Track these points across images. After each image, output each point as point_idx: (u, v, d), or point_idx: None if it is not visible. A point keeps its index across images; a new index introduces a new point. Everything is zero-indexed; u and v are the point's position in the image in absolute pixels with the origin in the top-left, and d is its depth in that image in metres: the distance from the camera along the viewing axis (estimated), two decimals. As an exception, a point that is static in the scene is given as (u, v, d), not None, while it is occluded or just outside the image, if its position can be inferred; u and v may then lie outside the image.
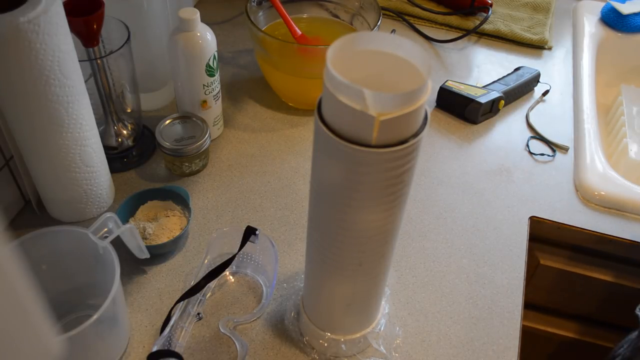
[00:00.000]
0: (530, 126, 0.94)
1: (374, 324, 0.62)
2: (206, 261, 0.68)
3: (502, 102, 0.94)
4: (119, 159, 0.80)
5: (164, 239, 0.69)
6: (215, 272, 0.65)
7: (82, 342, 0.53)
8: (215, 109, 0.83)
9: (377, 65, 0.44)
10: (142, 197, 0.72)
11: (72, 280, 0.62)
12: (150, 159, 0.82)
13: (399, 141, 0.41)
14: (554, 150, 0.90)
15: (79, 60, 0.62)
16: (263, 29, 0.91)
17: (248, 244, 0.66)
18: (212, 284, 0.68)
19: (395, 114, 0.39)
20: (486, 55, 1.08)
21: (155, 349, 0.59)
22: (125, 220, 0.70)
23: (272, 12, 0.92)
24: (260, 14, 0.93)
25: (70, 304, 0.64)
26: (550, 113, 0.97)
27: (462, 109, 0.93)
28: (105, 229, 0.59)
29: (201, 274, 0.66)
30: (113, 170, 0.76)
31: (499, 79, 0.98)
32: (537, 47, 1.10)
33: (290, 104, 0.93)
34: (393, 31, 1.10)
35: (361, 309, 0.58)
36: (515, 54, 1.09)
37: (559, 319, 1.00)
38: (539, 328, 1.01)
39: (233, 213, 0.76)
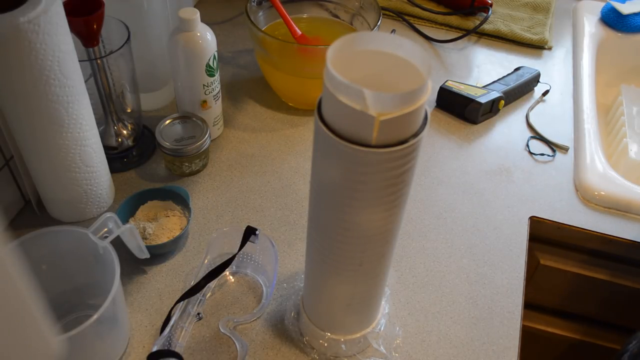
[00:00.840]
0: (530, 126, 0.94)
1: (374, 324, 0.62)
2: (206, 261, 0.68)
3: (502, 102, 0.94)
4: (119, 159, 0.80)
5: (164, 239, 0.69)
6: (215, 272, 0.65)
7: (82, 342, 0.53)
8: (215, 109, 0.83)
9: (377, 65, 0.44)
10: (142, 197, 0.72)
11: (72, 280, 0.62)
12: (150, 159, 0.82)
13: (399, 141, 0.41)
14: (554, 150, 0.90)
15: (79, 60, 0.62)
16: (263, 29, 0.91)
17: (248, 244, 0.66)
18: (212, 284, 0.68)
19: (395, 114, 0.39)
20: (486, 55, 1.08)
21: (155, 349, 0.59)
22: (125, 220, 0.70)
23: (272, 12, 0.92)
24: (260, 14, 0.93)
25: (70, 304, 0.64)
26: (550, 113, 0.97)
27: (462, 109, 0.93)
28: (105, 229, 0.59)
29: (201, 274, 0.66)
30: (113, 170, 0.76)
31: (499, 79, 0.98)
32: (537, 47, 1.10)
33: (290, 104, 0.93)
34: (393, 31, 1.10)
35: (361, 309, 0.58)
36: (515, 54, 1.09)
37: (559, 319, 1.00)
38: (539, 328, 1.01)
39: (233, 213, 0.76)
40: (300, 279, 0.68)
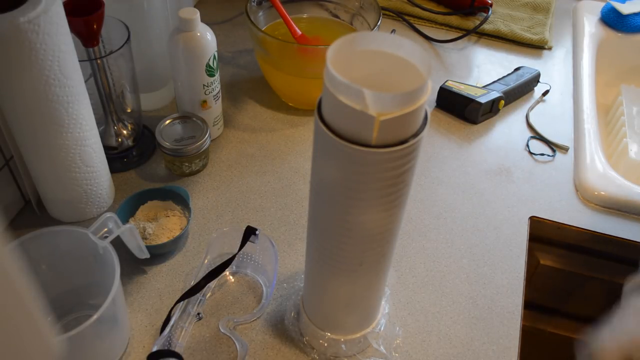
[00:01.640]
0: (530, 126, 0.94)
1: (374, 324, 0.62)
2: (206, 261, 0.68)
3: (502, 102, 0.94)
4: (119, 159, 0.80)
5: (164, 239, 0.69)
6: (215, 272, 0.65)
7: (82, 342, 0.53)
8: (215, 109, 0.83)
9: (377, 65, 0.44)
10: (142, 197, 0.72)
11: (72, 281, 0.62)
12: (150, 159, 0.82)
13: (399, 141, 0.41)
14: (554, 150, 0.90)
15: (79, 60, 0.62)
16: (263, 29, 0.91)
17: (248, 244, 0.66)
18: (212, 284, 0.68)
19: (395, 114, 0.39)
20: (486, 55, 1.08)
21: (155, 349, 0.59)
22: (125, 220, 0.70)
23: (272, 12, 0.92)
24: (260, 14, 0.93)
25: (70, 304, 0.64)
26: (550, 113, 0.97)
27: (462, 109, 0.93)
28: (105, 229, 0.59)
29: (201, 274, 0.66)
30: (113, 170, 0.76)
31: (499, 79, 0.98)
32: (537, 47, 1.10)
33: (290, 104, 0.93)
34: (393, 31, 1.10)
35: (361, 309, 0.58)
36: (515, 54, 1.09)
37: (559, 319, 1.00)
38: (539, 328, 1.01)
39: (233, 213, 0.76)
40: (300, 279, 0.68)
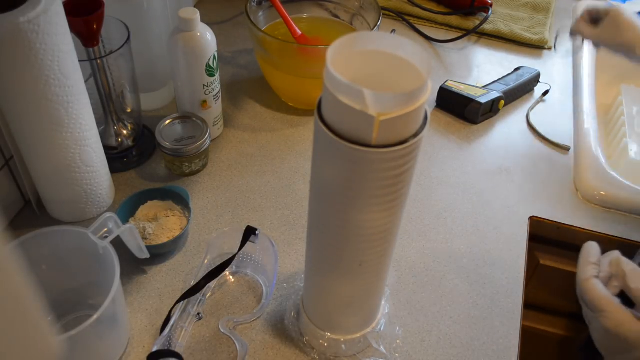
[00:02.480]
0: (530, 126, 0.94)
1: (374, 324, 0.62)
2: (206, 261, 0.68)
3: (502, 102, 0.94)
4: (119, 159, 0.80)
5: (164, 239, 0.69)
6: (215, 272, 0.65)
7: (82, 342, 0.53)
8: (215, 109, 0.83)
9: (377, 65, 0.44)
10: (142, 197, 0.72)
11: (72, 280, 0.62)
12: (150, 159, 0.82)
13: (399, 141, 0.41)
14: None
15: (79, 60, 0.62)
16: (263, 29, 0.91)
17: (248, 244, 0.66)
18: (212, 284, 0.68)
19: (395, 114, 0.39)
20: (486, 55, 1.08)
21: (155, 349, 0.59)
22: (125, 220, 0.70)
23: (272, 12, 0.92)
24: (260, 14, 0.93)
25: (70, 304, 0.64)
26: (551, 113, 0.97)
27: (462, 109, 0.93)
28: (105, 229, 0.59)
29: (201, 274, 0.66)
30: (113, 170, 0.76)
31: (499, 79, 0.98)
32: (537, 47, 1.10)
33: (290, 104, 0.93)
34: (393, 31, 1.10)
35: (361, 309, 0.58)
36: (515, 54, 1.09)
37: (559, 319, 1.00)
38: (539, 328, 1.01)
39: (233, 213, 0.76)
40: (300, 279, 0.68)
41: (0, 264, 0.24)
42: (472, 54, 1.08)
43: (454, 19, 1.13)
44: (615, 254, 0.59)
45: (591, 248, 0.58)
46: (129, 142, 0.81)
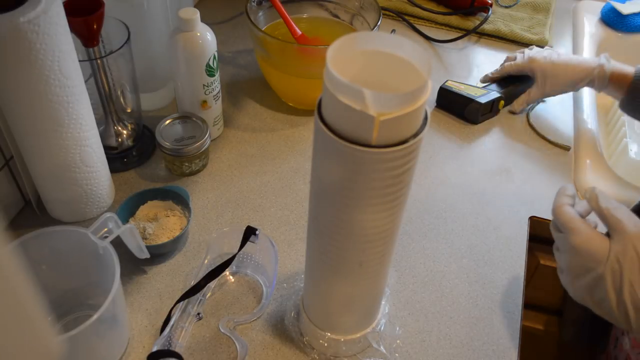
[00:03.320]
0: (530, 126, 0.94)
1: (374, 324, 0.62)
2: (206, 261, 0.68)
3: (502, 102, 0.94)
4: (119, 159, 0.80)
5: (164, 239, 0.69)
6: (215, 272, 0.65)
7: (82, 342, 0.53)
8: (215, 109, 0.83)
9: (377, 65, 0.44)
10: (142, 197, 0.72)
11: (72, 280, 0.62)
12: (150, 159, 0.82)
13: (399, 141, 0.41)
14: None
15: (79, 60, 0.62)
16: (263, 29, 0.91)
17: (248, 244, 0.66)
18: (212, 284, 0.68)
19: (395, 114, 0.39)
20: (486, 55, 1.08)
21: (155, 349, 0.59)
22: (125, 220, 0.70)
23: (272, 12, 0.92)
24: (260, 14, 0.93)
25: (70, 304, 0.64)
26: (551, 113, 0.97)
27: (462, 109, 0.93)
28: (105, 229, 0.59)
29: (201, 274, 0.66)
30: (113, 170, 0.76)
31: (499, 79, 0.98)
32: (537, 47, 1.10)
33: (290, 104, 0.93)
34: (393, 31, 1.10)
35: (361, 309, 0.58)
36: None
37: (559, 319, 1.00)
38: (539, 328, 1.01)
39: (233, 213, 0.76)
40: (300, 279, 0.68)
41: (0, 264, 0.24)
42: (472, 54, 1.08)
43: (454, 19, 1.13)
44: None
45: (568, 186, 0.59)
46: (129, 142, 0.81)
